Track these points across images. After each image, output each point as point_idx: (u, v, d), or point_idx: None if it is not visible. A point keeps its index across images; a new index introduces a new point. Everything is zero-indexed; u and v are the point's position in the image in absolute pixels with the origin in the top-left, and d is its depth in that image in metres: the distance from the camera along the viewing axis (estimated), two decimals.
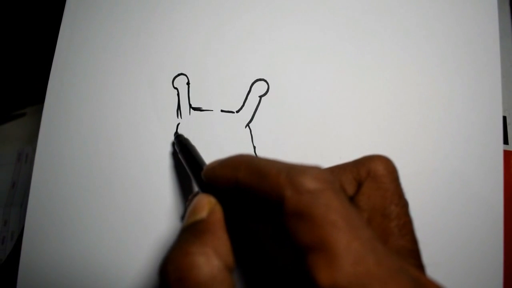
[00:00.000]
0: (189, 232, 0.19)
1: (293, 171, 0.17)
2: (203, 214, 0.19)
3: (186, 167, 0.28)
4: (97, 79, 0.38)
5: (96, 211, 0.36)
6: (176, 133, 0.35)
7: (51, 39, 0.41)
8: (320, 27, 0.35)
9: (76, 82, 0.38)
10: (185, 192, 0.35)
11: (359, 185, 0.20)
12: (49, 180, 0.37)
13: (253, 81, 0.35)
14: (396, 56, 0.33)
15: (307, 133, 0.34)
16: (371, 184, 0.19)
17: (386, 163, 0.20)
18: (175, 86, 0.36)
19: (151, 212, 0.35)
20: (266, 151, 0.34)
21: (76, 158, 0.37)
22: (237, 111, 0.35)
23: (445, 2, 0.33)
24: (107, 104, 0.37)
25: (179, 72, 0.36)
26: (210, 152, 0.35)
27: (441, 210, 0.31)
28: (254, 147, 0.34)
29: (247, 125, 0.35)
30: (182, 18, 0.37)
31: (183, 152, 0.30)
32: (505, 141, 0.38)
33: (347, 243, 0.15)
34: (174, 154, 0.35)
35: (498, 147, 0.32)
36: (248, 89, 0.35)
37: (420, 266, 0.19)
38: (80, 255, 0.36)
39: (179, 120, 0.36)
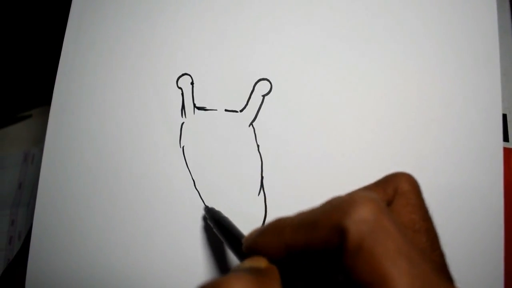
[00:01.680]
0: (247, 271, 0.18)
1: (343, 206, 0.17)
2: (261, 264, 0.19)
3: (224, 242, 0.28)
4: (103, 79, 0.38)
5: (103, 211, 0.36)
6: (206, 207, 0.34)
7: (56, 41, 0.41)
8: (322, 26, 0.35)
9: (82, 83, 0.39)
10: (191, 187, 0.35)
11: (388, 204, 0.20)
12: (56, 180, 0.38)
13: (256, 80, 0.35)
14: (396, 54, 0.34)
15: (310, 132, 0.34)
16: (399, 202, 0.19)
17: (410, 179, 0.20)
18: (179, 86, 0.37)
19: (159, 211, 0.35)
20: (269, 150, 0.34)
21: (83, 158, 0.38)
22: (241, 110, 0.35)
23: (445, 0, 0.34)
24: (113, 104, 0.38)
25: (183, 72, 0.37)
26: (214, 150, 0.35)
27: (441, 207, 0.32)
28: (258, 146, 0.35)
29: (251, 124, 0.35)
30: (185, 18, 0.38)
31: (218, 226, 0.30)
32: (505, 139, 0.38)
33: (408, 281, 0.15)
34: (206, 227, 0.34)
35: (498, 145, 0.32)
36: (251, 89, 0.35)
37: (450, 280, 0.19)
38: (88, 254, 0.36)
39: (183, 119, 0.36)
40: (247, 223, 0.34)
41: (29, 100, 0.58)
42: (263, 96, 0.35)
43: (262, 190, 0.34)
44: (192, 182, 0.35)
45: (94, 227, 0.36)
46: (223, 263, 0.34)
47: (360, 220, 0.16)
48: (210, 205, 0.35)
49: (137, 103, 0.37)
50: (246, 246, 0.21)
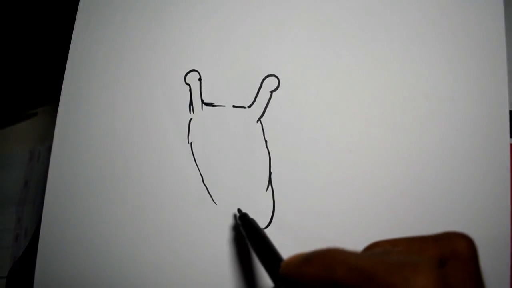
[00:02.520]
0: None
1: (404, 270, 0.17)
2: None
3: (258, 257, 0.27)
4: (110, 77, 0.38)
5: (111, 208, 0.36)
6: (240, 212, 0.33)
7: (61, 39, 0.42)
8: (330, 22, 0.35)
9: (89, 80, 0.39)
10: (199, 183, 0.35)
11: (442, 263, 0.20)
12: (65, 177, 0.38)
13: (264, 77, 0.36)
14: (403, 51, 0.34)
15: (317, 127, 0.34)
16: (456, 265, 0.19)
17: (470, 244, 0.20)
18: (187, 82, 0.37)
19: (167, 207, 0.36)
20: (277, 145, 0.34)
21: (90, 155, 0.38)
22: (249, 106, 0.36)
23: None
24: (121, 102, 0.38)
25: (191, 69, 0.37)
26: (222, 146, 0.35)
27: (448, 203, 0.32)
28: (266, 141, 0.35)
29: (259, 119, 0.35)
30: (193, 15, 0.38)
31: (253, 238, 0.28)
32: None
33: None
34: (237, 232, 0.34)
35: (505, 141, 0.32)
36: (259, 85, 0.36)
37: None
38: (97, 252, 0.36)
39: (191, 115, 0.36)
40: (255, 218, 0.34)
41: (35, 98, 0.58)
42: (271, 92, 0.35)
43: (270, 185, 0.34)
44: (200, 177, 0.35)
45: (102, 224, 0.36)
46: (233, 263, 0.34)
47: None
48: (218, 201, 0.35)
49: (145, 100, 0.37)
50: (286, 273, 0.21)
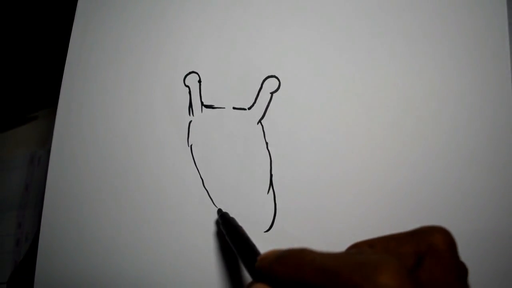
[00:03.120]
0: None
1: (367, 268, 0.17)
2: None
3: (236, 253, 0.28)
4: (109, 79, 0.38)
5: (111, 211, 0.36)
6: (220, 211, 0.34)
7: (61, 42, 0.41)
8: (330, 22, 0.35)
9: (88, 83, 0.39)
10: (200, 186, 0.35)
11: (419, 258, 0.19)
12: (64, 181, 0.38)
13: (264, 78, 0.35)
14: (405, 49, 0.33)
15: (319, 128, 0.34)
16: (432, 259, 0.19)
17: (446, 236, 0.20)
18: (186, 84, 0.36)
19: (167, 211, 0.35)
20: (278, 147, 0.34)
21: (90, 158, 0.37)
22: (249, 108, 0.35)
23: None
24: (119, 104, 0.37)
25: (190, 70, 0.36)
26: (223, 148, 0.35)
27: (453, 201, 0.31)
28: (267, 143, 0.34)
29: (259, 121, 0.35)
30: (192, 16, 0.37)
31: (231, 234, 0.30)
32: None
33: None
34: (218, 232, 0.34)
35: (510, 135, 0.31)
36: (259, 86, 0.35)
37: None
38: (97, 255, 0.36)
39: (191, 117, 0.36)
40: (256, 221, 0.33)
41: (35, 101, 0.58)
42: (272, 93, 0.35)
43: (271, 188, 0.34)
44: (201, 181, 0.35)
45: (102, 228, 0.36)
46: (232, 265, 0.34)
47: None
48: (219, 204, 0.34)
49: (144, 102, 0.37)
50: (260, 266, 0.21)
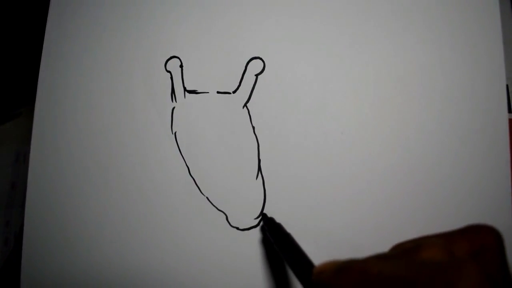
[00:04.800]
0: None
1: (447, 275, 0.16)
2: None
3: (287, 263, 0.26)
4: (87, 68, 0.37)
5: (95, 205, 0.35)
6: (265, 216, 0.32)
7: (40, 35, 0.40)
8: (317, 3, 0.33)
9: (66, 74, 0.37)
10: (186, 175, 0.34)
11: (473, 257, 0.19)
12: (46, 178, 0.36)
13: (248, 59, 0.34)
14: (394, 30, 0.32)
15: (307, 110, 0.32)
16: (486, 257, 0.19)
17: (496, 235, 0.19)
18: (167, 69, 0.35)
19: (153, 202, 0.34)
20: (265, 131, 0.33)
21: (71, 153, 0.36)
22: (234, 92, 0.34)
23: None
24: (99, 94, 0.36)
25: (171, 55, 0.35)
26: (208, 134, 0.34)
27: (447, 180, 0.30)
28: (253, 128, 0.33)
29: (245, 105, 0.33)
30: None
31: (281, 243, 0.27)
32: (509, 110, 0.37)
33: None
34: (263, 236, 0.32)
35: (503, 116, 0.31)
36: (243, 69, 0.34)
37: None
38: (82, 252, 0.35)
39: (174, 104, 0.35)
40: (246, 208, 0.32)
41: (18, 98, 0.56)
42: (256, 75, 0.34)
43: (260, 173, 0.33)
44: (187, 169, 0.34)
45: (87, 223, 0.35)
46: (223, 251, 0.33)
47: None
48: (206, 192, 0.33)
49: (124, 91, 0.36)
50: (319, 280, 0.20)
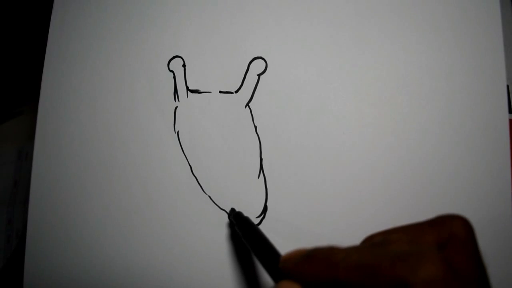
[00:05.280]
0: None
1: (410, 261, 0.16)
2: None
3: (255, 255, 0.26)
4: (91, 68, 0.37)
5: (98, 203, 0.35)
6: (233, 211, 0.33)
7: (43, 34, 0.40)
8: (319, 2, 0.34)
9: (69, 73, 0.37)
10: (188, 174, 0.34)
11: (440, 247, 0.19)
12: (49, 175, 0.37)
13: (250, 59, 0.34)
14: (395, 29, 0.32)
15: (308, 110, 0.33)
16: (454, 247, 0.19)
17: (466, 225, 0.19)
18: (170, 69, 0.35)
19: (155, 200, 0.34)
20: (267, 130, 0.33)
21: (74, 151, 0.36)
22: (236, 91, 0.34)
23: None
24: (103, 94, 0.36)
25: (174, 55, 0.35)
26: (211, 134, 0.34)
27: (447, 179, 0.30)
28: (255, 127, 0.33)
29: (247, 104, 0.34)
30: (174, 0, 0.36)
31: (248, 236, 0.28)
32: (510, 110, 0.37)
33: None
34: (232, 231, 0.33)
35: (504, 116, 0.31)
36: (246, 68, 0.34)
37: None
38: (85, 249, 0.35)
39: (176, 103, 0.35)
40: (248, 207, 0.33)
41: (20, 96, 0.57)
42: (259, 75, 0.34)
43: (261, 172, 0.33)
44: (189, 168, 0.34)
45: (90, 220, 0.35)
46: (226, 250, 0.33)
47: (429, 280, 0.16)
48: (208, 191, 0.34)
49: (128, 90, 0.36)
50: (286, 268, 0.20)
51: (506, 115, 0.31)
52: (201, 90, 0.35)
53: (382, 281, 0.16)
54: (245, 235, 0.28)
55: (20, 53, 0.58)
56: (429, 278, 0.16)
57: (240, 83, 0.34)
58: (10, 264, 0.46)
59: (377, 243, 0.19)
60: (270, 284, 0.32)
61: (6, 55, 0.58)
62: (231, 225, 0.33)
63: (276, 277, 0.22)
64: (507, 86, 0.37)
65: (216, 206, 0.33)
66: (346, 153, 0.32)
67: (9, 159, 0.54)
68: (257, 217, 0.33)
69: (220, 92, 0.34)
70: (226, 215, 0.33)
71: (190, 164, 0.34)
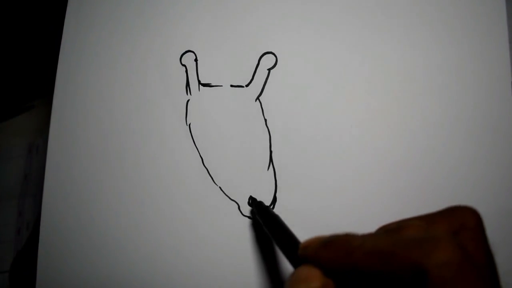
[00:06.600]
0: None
1: (425, 246, 0.16)
2: (316, 284, 0.19)
3: (276, 243, 0.27)
4: (104, 62, 0.38)
5: (111, 195, 0.36)
6: (254, 200, 0.33)
7: (56, 29, 0.41)
8: None
9: (83, 68, 0.38)
10: (199, 165, 0.35)
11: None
12: (63, 168, 0.37)
13: (261, 54, 0.35)
14: (404, 23, 0.33)
15: (317, 104, 0.33)
16: (466, 236, 0.19)
17: (476, 215, 0.20)
18: (183, 63, 0.36)
19: (167, 191, 0.35)
20: (277, 124, 0.34)
21: (88, 143, 0.37)
22: (247, 85, 0.35)
23: None
24: (116, 87, 0.37)
25: (187, 49, 0.36)
26: (221, 126, 0.35)
27: (455, 173, 0.31)
28: (265, 120, 0.34)
29: (257, 98, 0.34)
30: None
31: (269, 224, 0.28)
32: None
33: None
34: (254, 221, 0.33)
35: (508, 114, 0.31)
36: (256, 63, 0.35)
37: None
38: (99, 241, 0.36)
39: (188, 96, 0.36)
40: (257, 198, 0.33)
41: (31, 91, 0.57)
42: (269, 69, 0.35)
43: (271, 164, 0.34)
44: (200, 159, 0.35)
45: (102, 212, 0.36)
46: (238, 241, 0.34)
47: (444, 264, 0.16)
48: (219, 182, 0.34)
49: (140, 84, 0.37)
50: (304, 255, 0.21)
51: (510, 113, 0.32)
52: (213, 84, 0.35)
53: (398, 266, 0.17)
54: (266, 223, 0.29)
55: (32, 48, 0.59)
56: (445, 262, 0.16)
57: (250, 77, 0.35)
58: (21, 255, 0.47)
59: (392, 229, 0.20)
60: (288, 270, 0.32)
61: (18, 50, 0.59)
62: (252, 213, 0.33)
63: (295, 264, 0.23)
64: None
65: (227, 197, 0.34)
66: (355, 146, 0.32)
67: (20, 153, 0.55)
68: None
69: (231, 86, 0.35)
70: (236, 206, 0.34)
71: (201, 156, 0.35)
